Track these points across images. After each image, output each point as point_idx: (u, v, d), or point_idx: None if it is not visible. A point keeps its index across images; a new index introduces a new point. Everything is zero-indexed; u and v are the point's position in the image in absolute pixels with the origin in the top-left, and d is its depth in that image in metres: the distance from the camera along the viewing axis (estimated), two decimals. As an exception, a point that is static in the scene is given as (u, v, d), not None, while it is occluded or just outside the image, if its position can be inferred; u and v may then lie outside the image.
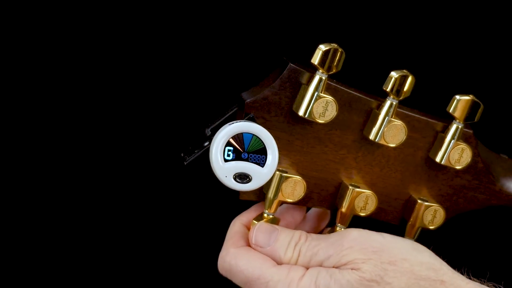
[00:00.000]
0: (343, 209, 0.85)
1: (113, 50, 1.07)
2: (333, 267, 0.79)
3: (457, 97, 0.82)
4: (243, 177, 0.81)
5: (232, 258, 0.81)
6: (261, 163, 0.81)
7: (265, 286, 0.79)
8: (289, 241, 0.82)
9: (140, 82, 1.08)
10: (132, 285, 1.15)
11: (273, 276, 0.79)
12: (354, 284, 0.77)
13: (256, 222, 0.84)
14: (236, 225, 0.85)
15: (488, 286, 0.80)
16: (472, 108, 0.82)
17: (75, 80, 1.08)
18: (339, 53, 0.79)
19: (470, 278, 0.79)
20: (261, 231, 0.83)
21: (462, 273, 0.80)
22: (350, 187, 0.84)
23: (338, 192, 0.86)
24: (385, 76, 0.81)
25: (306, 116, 0.81)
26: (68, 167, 1.11)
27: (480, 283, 0.80)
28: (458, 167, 0.85)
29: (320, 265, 0.80)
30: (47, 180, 1.11)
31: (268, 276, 0.79)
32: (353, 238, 0.79)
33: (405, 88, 0.81)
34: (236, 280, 0.81)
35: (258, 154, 0.81)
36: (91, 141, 1.10)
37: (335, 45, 0.79)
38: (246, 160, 0.81)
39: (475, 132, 0.86)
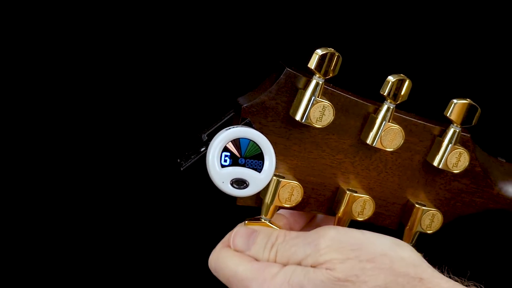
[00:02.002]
0: (341, 214, 0.84)
1: (110, 55, 1.07)
2: (311, 266, 0.77)
3: (455, 101, 0.82)
4: (240, 183, 0.81)
5: (216, 256, 0.82)
6: (258, 168, 0.81)
7: (241, 284, 0.79)
8: (265, 242, 0.81)
9: (136, 87, 1.08)
10: (131, 286, 1.15)
11: (248, 274, 0.79)
12: (328, 284, 0.75)
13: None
14: (237, 227, 0.85)
15: (468, 285, 0.80)
16: (470, 112, 0.82)
17: (72, 86, 1.08)
18: (335, 57, 0.79)
19: (450, 277, 0.79)
20: (239, 235, 0.82)
21: (442, 272, 0.79)
22: (347, 191, 0.84)
23: (336, 197, 0.85)
24: (382, 81, 0.81)
25: (303, 120, 0.80)
26: (64, 171, 1.11)
27: (461, 282, 0.79)
28: (455, 171, 0.84)
29: (299, 264, 0.78)
30: (47, 182, 1.11)
31: (243, 274, 0.79)
32: (331, 237, 0.78)
33: (402, 92, 0.81)
34: (220, 278, 0.82)
35: (255, 160, 0.81)
36: (88, 146, 1.10)
37: (331, 50, 0.79)
38: (243, 165, 0.81)
39: (473, 136, 0.85)
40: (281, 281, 0.77)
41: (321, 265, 0.77)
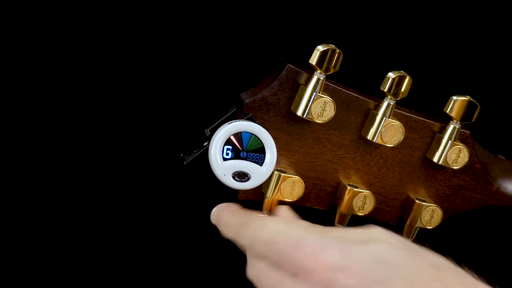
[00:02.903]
0: (341, 209, 0.85)
1: (112, 50, 1.07)
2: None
3: (454, 97, 0.83)
4: (241, 176, 0.82)
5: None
6: (260, 162, 0.82)
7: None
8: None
9: (139, 83, 1.08)
10: (132, 285, 1.16)
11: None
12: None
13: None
14: None
15: None
16: (469, 109, 0.83)
17: (75, 80, 1.09)
18: (336, 54, 0.80)
19: None
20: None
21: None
22: (348, 187, 0.85)
23: (337, 192, 0.86)
24: (383, 77, 0.81)
25: (304, 116, 0.81)
26: (67, 167, 1.12)
27: None
28: (455, 167, 0.85)
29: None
30: (47, 180, 1.12)
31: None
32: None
33: (402, 89, 0.81)
34: None
35: (256, 153, 0.81)
36: (91, 142, 1.11)
37: (332, 46, 0.80)
38: (245, 159, 0.81)
39: (472, 132, 0.86)
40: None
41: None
